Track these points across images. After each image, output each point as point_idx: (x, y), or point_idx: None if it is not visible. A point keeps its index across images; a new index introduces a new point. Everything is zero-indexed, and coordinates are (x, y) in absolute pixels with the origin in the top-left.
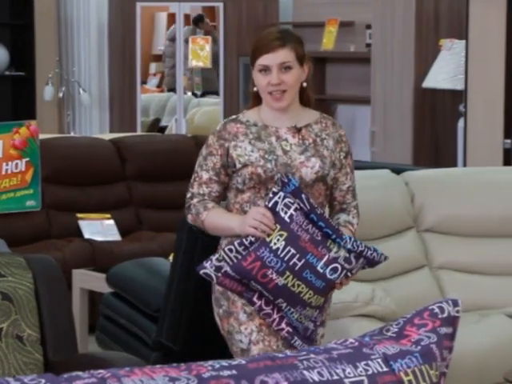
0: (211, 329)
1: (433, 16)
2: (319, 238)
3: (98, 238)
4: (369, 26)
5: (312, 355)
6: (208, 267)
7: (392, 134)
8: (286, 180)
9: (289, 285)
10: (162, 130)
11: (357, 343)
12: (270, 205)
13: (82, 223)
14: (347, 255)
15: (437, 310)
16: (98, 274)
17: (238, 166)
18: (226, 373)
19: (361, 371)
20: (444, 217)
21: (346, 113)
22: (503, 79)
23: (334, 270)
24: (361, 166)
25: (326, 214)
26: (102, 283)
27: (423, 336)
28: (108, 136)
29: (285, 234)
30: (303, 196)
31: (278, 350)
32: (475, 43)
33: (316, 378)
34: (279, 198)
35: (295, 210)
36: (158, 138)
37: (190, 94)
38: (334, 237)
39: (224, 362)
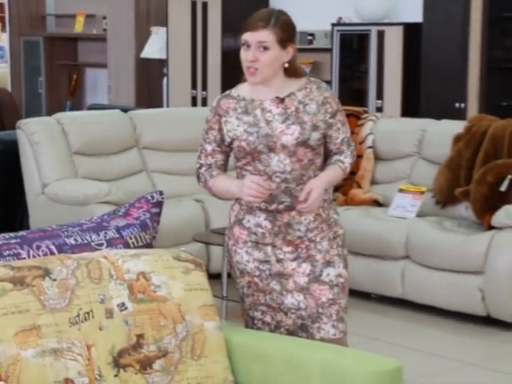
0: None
1: (146, 10)
2: None
3: None
4: (105, 17)
5: (70, 228)
6: None
7: (122, 87)
8: None
9: None
10: None
11: (99, 219)
12: None
13: None
14: None
15: (149, 198)
16: None
17: (228, 140)
18: (13, 241)
19: (102, 237)
20: (154, 139)
21: (92, 73)
22: (189, 52)
23: None
24: (101, 107)
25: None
26: None
27: (141, 214)
28: None
29: None
30: None
31: (266, 303)
32: (172, 29)
33: (73, 242)
34: None
35: None
36: None
37: None
38: None
39: (12, 234)
